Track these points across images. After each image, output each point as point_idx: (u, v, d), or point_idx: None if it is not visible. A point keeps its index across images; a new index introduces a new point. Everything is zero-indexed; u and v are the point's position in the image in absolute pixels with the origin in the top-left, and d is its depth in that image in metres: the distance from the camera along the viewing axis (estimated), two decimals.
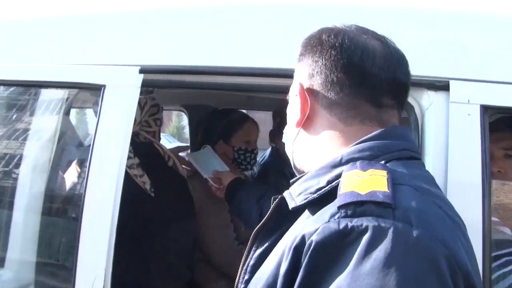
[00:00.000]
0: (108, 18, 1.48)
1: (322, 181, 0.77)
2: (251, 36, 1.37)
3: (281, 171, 2.37)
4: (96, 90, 1.37)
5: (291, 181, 0.88)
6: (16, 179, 1.55)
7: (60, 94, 1.52)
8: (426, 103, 1.22)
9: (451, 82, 1.19)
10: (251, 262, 0.87)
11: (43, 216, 1.54)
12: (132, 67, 1.35)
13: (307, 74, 0.88)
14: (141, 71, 1.35)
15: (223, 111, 2.29)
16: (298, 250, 0.70)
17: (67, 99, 1.54)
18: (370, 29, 0.89)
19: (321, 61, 0.85)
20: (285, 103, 0.99)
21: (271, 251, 0.81)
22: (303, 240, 0.70)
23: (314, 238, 0.68)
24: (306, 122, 0.88)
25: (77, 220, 1.34)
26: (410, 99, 1.23)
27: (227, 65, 1.35)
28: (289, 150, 0.96)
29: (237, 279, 0.90)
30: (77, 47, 1.43)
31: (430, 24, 1.29)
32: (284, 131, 0.97)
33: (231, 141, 2.10)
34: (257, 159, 2.50)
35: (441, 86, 1.20)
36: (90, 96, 1.53)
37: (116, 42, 1.42)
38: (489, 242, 1.13)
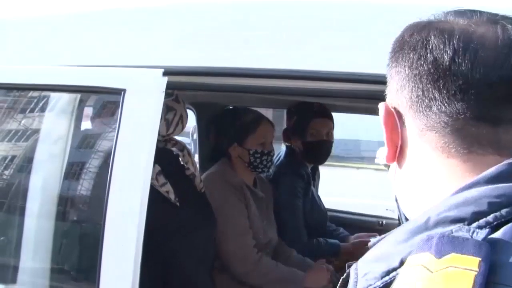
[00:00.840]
0: (127, 16, 1.40)
1: (395, 258, 0.51)
2: (273, 36, 1.30)
3: (297, 173, 2.30)
4: (116, 94, 1.29)
5: (369, 244, 0.62)
6: (29, 186, 1.47)
7: (76, 97, 1.44)
8: None
9: None
10: None
11: (61, 225, 1.47)
12: (156, 70, 1.27)
13: (393, 90, 0.63)
14: (165, 74, 1.27)
15: (235, 110, 2.19)
16: None
17: (83, 103, 1.46)
18: (482, 10, 0.62)
19: (403, 71, 0.61)
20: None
21: None
22: None
23: None
24: (399, 157, 0.64)
25: (99, 229, 1.26)
26: None
27: (252, 66, 1.28)
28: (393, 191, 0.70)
29: None
30: (94, 48, 1.36)
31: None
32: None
33: (246, 144, 2.01)
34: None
35: None
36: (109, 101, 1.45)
37: (137, 42, 1.34)
38: None
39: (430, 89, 0.58)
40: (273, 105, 2.43)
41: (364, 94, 1.26)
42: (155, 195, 1.43)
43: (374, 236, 2.47)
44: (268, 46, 1.31)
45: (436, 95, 0.57)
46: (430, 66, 0.58)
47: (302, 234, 2.27)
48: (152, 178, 1.49)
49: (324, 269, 2.05)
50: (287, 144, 2.42)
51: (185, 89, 1.50)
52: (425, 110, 0.58)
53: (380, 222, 2.76)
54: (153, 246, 1.47)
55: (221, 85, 1.34)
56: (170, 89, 1.47)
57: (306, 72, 1.25)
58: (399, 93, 0.61)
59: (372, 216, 2.84)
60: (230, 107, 2.21)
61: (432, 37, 0.59)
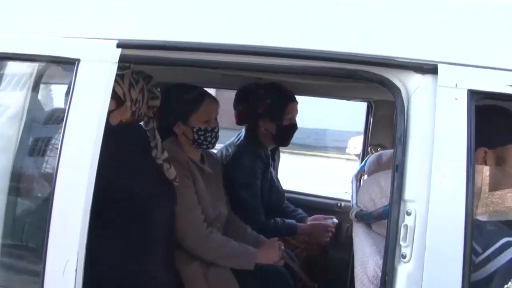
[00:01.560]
0: None
1: None
2: (236, 12, 1.33)
3: (257, 154, 2.34)
4: (70, 64, 1.31)
5: None
6: None
7: (31, 67, 1.44)
8: (413, 86, 1.20)
9: (439, 65, 1.17)
10: None
11: (11, 196, 1.47)
12: (110, 41, 1.28)
13: None
14: (118, 46, 1.29)
15: (178, 88, 2.11)
16: None
17: (38, 73, 1.46)
18: None
19: None
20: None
21: None
22: None
23: None
24: None
25: (48, 201, 1.28)
26: (396, 82, 1.22)
27: (210, 41, 1.30)
28: None
29: None
30: (49, 18, 1.36)
31: (420, 6, 1.27)
32: None
33: (189, 122, 2.02)
34: (232, 138, 2.48)
35: (429, 69, 1.18)
36: (63, 71, 1.46)
37: (92, 14, 1.35)
38: (470, 227, 1.13)
39: None
40: (237, 87, 2.43)
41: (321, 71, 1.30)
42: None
43: (331, 218, 2.55)
44: (225, 21, 1.33)
45: None
46: None
47: (260, 213, 2.32)
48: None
49: (275, 245, 2.10)
50: (245, 125, 2.44)
51: (140, 63, 1.51)
52: None
53: (339, 204, 2.83)
54: (109, 217, 1.51)
55: (176, 60, 1.35)
56: (126, 62, 1.48)
57: (261, 48, 1.28)
58: None
59: (331, 198, 2.90)
60: (173, 85, 2.13)
61: None
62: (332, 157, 14.04)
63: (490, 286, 1.24)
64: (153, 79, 1.76)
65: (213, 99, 2.08)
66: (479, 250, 1.25)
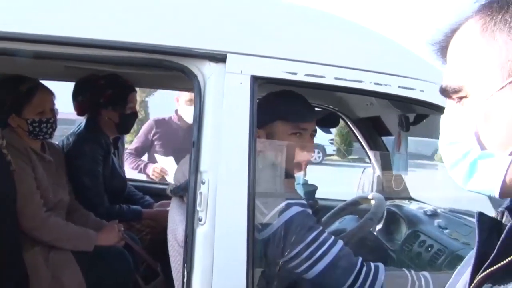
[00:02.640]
0: None
1: None
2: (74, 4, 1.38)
3: (97, 141, 2.41)
4: None
5: None
6: None
7: None
8: (207, 73, 1.38)
9: (228, 55, 1.37)
10: None
11: None
12: None
13: (503, 60, 0.61)
14: None
15: (10, 80, 2.09)
16: None
17: None
18: None
19: None
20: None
21: None
22: None
23: None
24: None
25: None
26: (194, 70, 1.39)
27: (49, 33, 1.32)
28: (493, 168, 0.65)
29: None
30: None
31: (215, 3, 1.46)
32: (463, 141, 0.69)
33: (23, 114, 2.05)
34: (73, 128, 2.52)
35: (220, 58, 1.37)
36: None
37: None
38: (253, 192, 1.34)
39: None
40: (74, 77, 2.44)
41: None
42: None
43: None
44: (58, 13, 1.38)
45: None
46: None
47: (103, 197, 2.42)
48: None
49: (114, 227, 2.20)
50: (87, 115, 2.50)
51: None
52: None
53: None
54: None
55: (13, 50, 1.37)
56: None
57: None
58: None
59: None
60: (6, 77, 2.10)
61: None
62: None
63: (275, 239, 1.48)
64: None
65: (47, 90, 2.12)
66: (265, 211, 1.48)
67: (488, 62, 0.63)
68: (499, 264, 0.64)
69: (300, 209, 1.50)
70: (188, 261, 1.34)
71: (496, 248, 0.65)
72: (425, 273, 1.54)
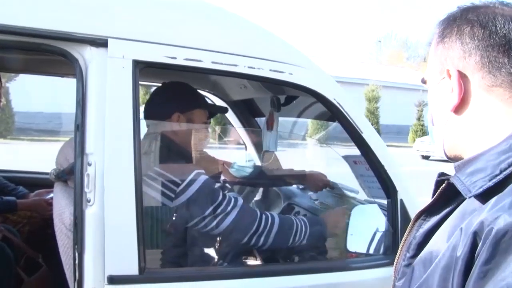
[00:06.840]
0: None
1: (495, 168, 0.78)
2: None
3: None
4: None
5: (455, 165, 0.89)
6: None
7: None
8: (89, 57, 1.40)
9: (109, 40, 1.41)
10: (416, 241, 0.90)
11: None
12: None
13: (458, 57, 0.87)
14: None
15: None
16: (476, 235, 0.71)
17: None
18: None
19: (472, 42, 0.85)
20: None
21: (435, 231, 0.86)
22: (481, 226, 0.71)
23: (495, 226, 0.69)
24: (459, 106, 0.88)
25: None
26: (75, 53, 1.41)
27: None
28: (438, 136, 0.95)
29: (397, 257, 0.95)
30: None
31: None
32: (428, 117, 0.99)
33: None
34: None
35: (101, 43, 1.40)
36: None
37: None
38: (139, 170, 1.40)
39: (500, 56, 0.83)
40: None
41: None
42: None
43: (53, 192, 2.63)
44: None
45: (506, 60, 0.83)
46: (502, 39, 0.83)
47: None
48: None
49: None
50: None
51: None
52: (495, 72, 0.83)
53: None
54: None
55: None
56: None
57: None
58: (468, 58, 0.85)
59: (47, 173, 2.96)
60: None
61: (500, 18, 0.84)
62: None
63: (188, 208, 1.69)
64: None
65: None
66: (179, 181, 1.68)
67: (434, 65, 0.93)
68: (429, 202, 0.90)
69: (206, 177, 1.75)
70: (79, 243, 1.37)
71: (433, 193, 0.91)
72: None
